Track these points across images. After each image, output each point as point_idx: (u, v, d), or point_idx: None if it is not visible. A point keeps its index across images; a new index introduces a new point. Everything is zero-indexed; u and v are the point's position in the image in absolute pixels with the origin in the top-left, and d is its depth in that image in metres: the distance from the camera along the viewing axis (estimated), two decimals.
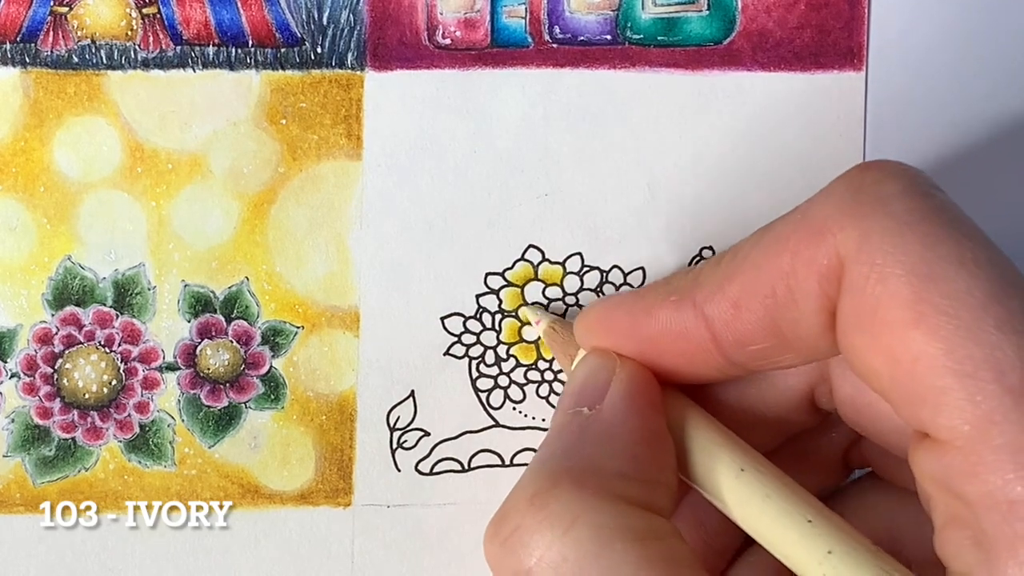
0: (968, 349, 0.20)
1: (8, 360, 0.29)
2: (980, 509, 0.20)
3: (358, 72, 0.29)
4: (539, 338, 0.30)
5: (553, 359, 0.30)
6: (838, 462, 0.28)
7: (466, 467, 0.30)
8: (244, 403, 0.30)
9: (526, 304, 0.30)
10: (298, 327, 0.30)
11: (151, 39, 0.29)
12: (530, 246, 0.30)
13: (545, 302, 0.30)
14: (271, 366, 0.30)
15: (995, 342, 0.20)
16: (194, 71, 0.29)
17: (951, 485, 0.20)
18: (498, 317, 0.30)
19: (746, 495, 0.24)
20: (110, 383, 0.30)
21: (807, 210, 0.23)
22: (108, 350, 0.30)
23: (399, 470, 0.30)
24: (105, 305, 0.29)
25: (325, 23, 0.29)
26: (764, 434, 0.27)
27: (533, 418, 0.30)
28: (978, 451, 0.20)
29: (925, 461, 0.21)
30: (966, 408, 0.20)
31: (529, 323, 0.30)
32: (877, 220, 0.21)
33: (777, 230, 0.23)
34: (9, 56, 0.29)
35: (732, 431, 0.25)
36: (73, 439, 0.30)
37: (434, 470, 0.30)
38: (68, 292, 0.29)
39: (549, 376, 0.30)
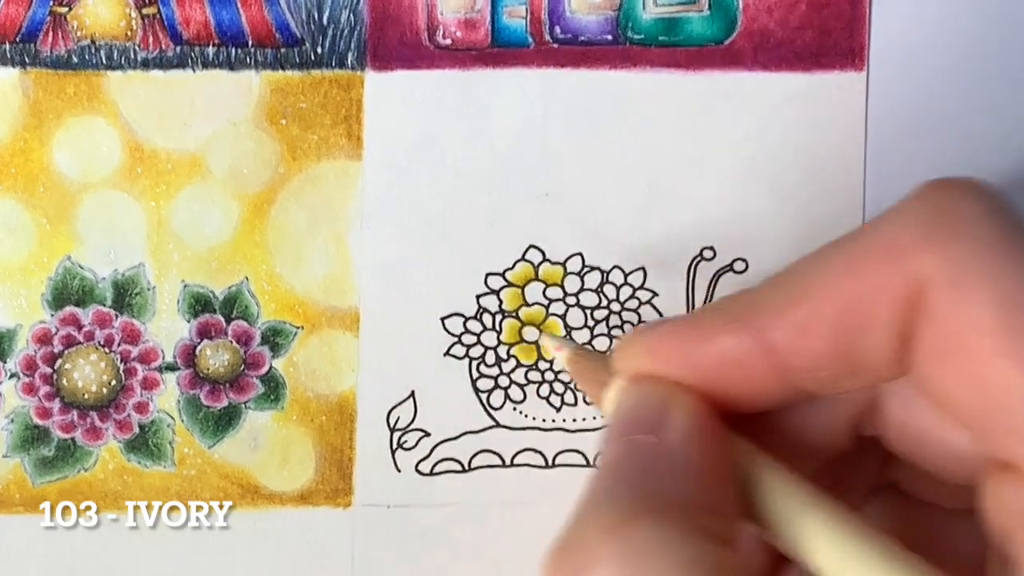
0: None
1: (7, 360, 0.29)
2: None
3: (358, 72, 0.29)
4: (539, 339, 0.30)
5: (553, 360, 0.30)
6: (867, 486, 0.27)
7: (466, 467, 0.30)
8: (244, 403, 0.30)
9: (545, 334, 0.30)
10: (298, 327, 0.30)
11: (151, 39, 0.29)
12: (530, 246, 0.30)
13: (545, 302, 0.30)
14: (271, 366, 0.30)
15: None
16: (194, 71, 0.29)
17: None
18: (498, 317, 0.30)
19: (842, 557, 0.22)
20: (109, 383, 0.30)
21: (878, 231, 0.22)
22: (108, 350, 0.30)
23: (399, 470, 0.30)
24: (105, 305, 0.29)
25: (325, 23, 0.29)
26: (800, 462, 0.25)
27: (533, 418, 0.30)
28: None
29: (1005, 493, 0.20)
30: None
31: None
32: (963, 244, 0.20)
33: (847, 251, 0.22)
34: (8, 56, 0.29)
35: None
36: (73, 439, 0.30)
37: (434, 470, 0.30)
38: (67, 292, 0.29)
39: (550, 376, 0.30)
